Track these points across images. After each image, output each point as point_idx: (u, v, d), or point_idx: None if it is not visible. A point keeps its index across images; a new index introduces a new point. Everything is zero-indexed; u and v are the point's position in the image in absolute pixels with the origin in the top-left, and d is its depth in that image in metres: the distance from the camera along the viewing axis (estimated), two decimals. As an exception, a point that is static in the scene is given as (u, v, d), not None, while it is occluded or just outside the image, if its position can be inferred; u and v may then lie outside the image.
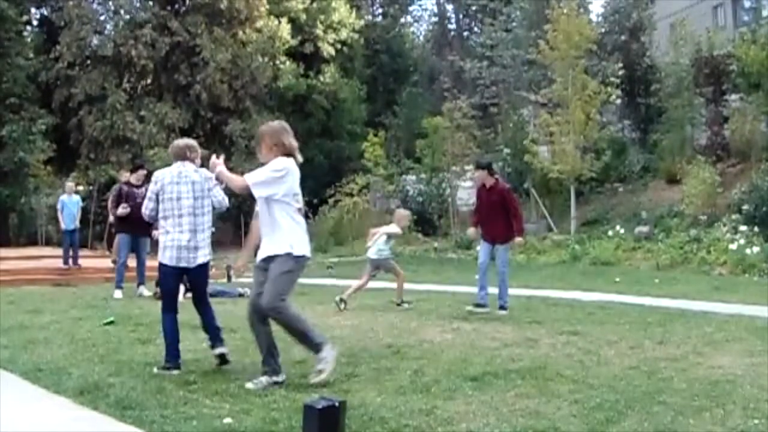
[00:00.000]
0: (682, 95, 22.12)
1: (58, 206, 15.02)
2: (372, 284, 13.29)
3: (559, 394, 4.73)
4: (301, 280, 14.43)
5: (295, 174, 5.18)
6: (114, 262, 11.94)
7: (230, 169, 5.39)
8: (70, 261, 14.77)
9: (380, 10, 43.54)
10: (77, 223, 14.87)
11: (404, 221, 9.99)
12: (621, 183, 23.51)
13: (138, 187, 10.88)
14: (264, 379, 5.09)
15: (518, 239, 8.83)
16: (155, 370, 5.43)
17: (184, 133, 25.26)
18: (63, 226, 14.70)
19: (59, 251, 15.78)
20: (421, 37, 47.12)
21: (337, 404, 3.86)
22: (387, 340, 6.77)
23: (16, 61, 24.18)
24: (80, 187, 15.96)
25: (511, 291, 11.55)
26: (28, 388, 5.10)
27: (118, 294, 10.64)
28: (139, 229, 10.35)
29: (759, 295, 10.26)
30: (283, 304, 5.15)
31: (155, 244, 9.06)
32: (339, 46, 31.00)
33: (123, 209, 10.72)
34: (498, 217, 8.71)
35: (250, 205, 26.88)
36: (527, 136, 23.49)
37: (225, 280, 14.71)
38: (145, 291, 10.81)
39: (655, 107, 24.16)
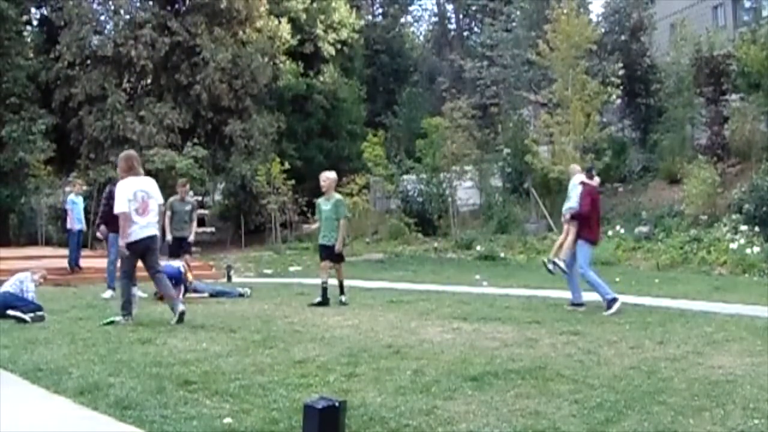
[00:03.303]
0: (682, 95, 22.13)
1: (68, 206, 14.55)
2: (372, 284, 13.31)
3: (559, 394, 4.73)
4: (302, 280, 14.40)
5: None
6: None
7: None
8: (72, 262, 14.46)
9: (380, 10, 43.54)
10: (84, 224, 14.59)
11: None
12: (621, 183, 23.52)
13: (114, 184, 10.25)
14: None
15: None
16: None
17: (184, 133, 25.26)
18: (76, 226, 14.13)
19: (59, 251, 15.69)
20: (421, 37, 47.11)
21: (337, 404, 3.86)
22: (387, 340, 6.77)
23: (16, 61, 24.14)
24: (83, 187, 15.81)
25: (512, 291, 11.65)
26: (28, 388, 5.09)
27: (107, 294, 10.56)
28: None
29: (759, 295, 10.27)
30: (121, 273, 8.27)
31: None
32: (339, 46, 30.96)
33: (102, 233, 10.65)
34: None
35: (250, 205, 26.92)
36: (527, 136, 23.49)
37: (225, 280, 14.73)
38: (139, 292, 10.64)
39: (655, 107, 24.18)
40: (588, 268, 9.11)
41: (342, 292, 9.93)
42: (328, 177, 10.07)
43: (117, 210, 7.97)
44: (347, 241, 10.25)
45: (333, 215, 9.78)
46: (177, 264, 10.89)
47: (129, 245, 7.87)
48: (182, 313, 7.76)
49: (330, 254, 9.85)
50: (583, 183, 9.28)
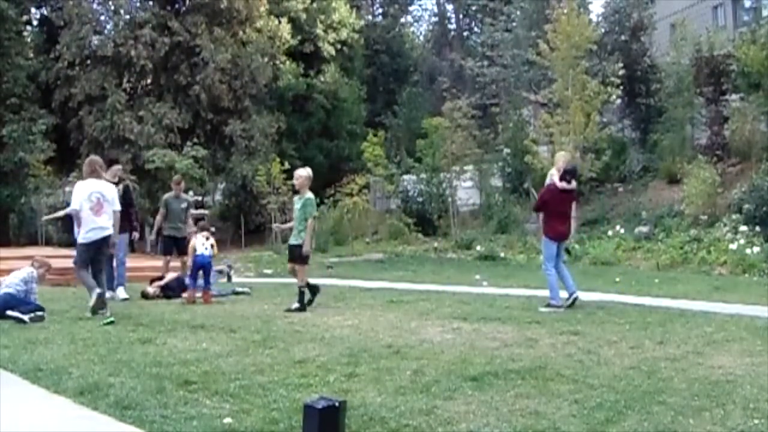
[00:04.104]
0: (682, 95, 22.12)
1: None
2: (372, 284, 13.31)
3: (559, 394, 4.73)
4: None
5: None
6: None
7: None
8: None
9: (380, 10, 43.60)
10: None
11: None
12: (621, 183, 23.52)
13: (115, 184, 9.67)
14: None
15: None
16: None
17: (184, 133, 25.26)
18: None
19: (60, 251, 15.67)
20: (421, 37, 47.15)
21: (337, 404, 3.86)
22: (387, 340, 6.76)
23: (16, 61, 24.17)
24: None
25: (512, 291, 11.65)
26: (28, 388, 5.09)
27: (107, 295, 10.42)
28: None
29: (759, 295, 10.26)
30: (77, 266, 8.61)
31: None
32: (339, 46, 30.99)
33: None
34: None
35: (250, 205, 26.83)
36: (527, 136, 23.49)
37: (225, 280, 14.72)
38: (122, 293, 10.41)
39: (655, 107, 24.16)
40: (549, 265, 9.14)
41: (300, 299, 9.20)
42: (300, 175, 9.55)
43: (70, 208, 8.70)
44: (313, 244, 9.72)
45: (302, 215, 9.32)
46: (206, 251, 10.25)
47: (86, 243, 8.46)
48: (100, 300, 8.24)
49: (293, 254, 9.52)
50: (551, 181, 9.34)
